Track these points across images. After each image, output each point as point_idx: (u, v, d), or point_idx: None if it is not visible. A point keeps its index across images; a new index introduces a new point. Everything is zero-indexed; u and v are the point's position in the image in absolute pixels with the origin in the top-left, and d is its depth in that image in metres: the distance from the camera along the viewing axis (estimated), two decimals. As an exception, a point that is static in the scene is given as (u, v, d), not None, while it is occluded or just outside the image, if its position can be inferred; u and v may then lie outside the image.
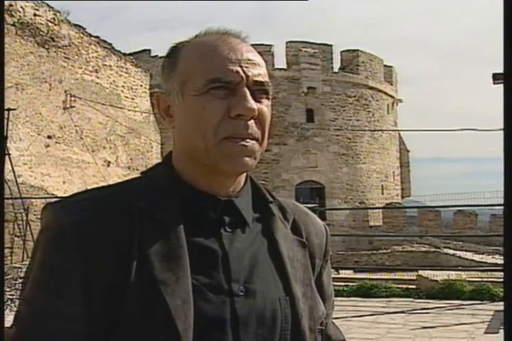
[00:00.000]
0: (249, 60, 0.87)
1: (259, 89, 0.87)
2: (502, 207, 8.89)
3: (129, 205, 0.84)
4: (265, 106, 0.88)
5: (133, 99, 18.18)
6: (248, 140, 0.85)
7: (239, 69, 0.85)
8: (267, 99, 0.89)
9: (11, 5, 13.38)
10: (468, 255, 16.26)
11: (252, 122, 0.85)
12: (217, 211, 0.88)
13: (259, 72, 0.87)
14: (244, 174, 0.93)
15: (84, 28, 16.26)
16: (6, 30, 12.91)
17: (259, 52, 0.92)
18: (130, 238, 0.81)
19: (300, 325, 0.87)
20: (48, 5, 14.78)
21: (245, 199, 0.92)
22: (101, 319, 0.77)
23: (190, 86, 0.86)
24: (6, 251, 11.37)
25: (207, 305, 0.81)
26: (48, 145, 14.54)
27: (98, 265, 0.79)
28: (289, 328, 0.87)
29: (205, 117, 0.84)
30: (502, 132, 1.13)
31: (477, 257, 15.81)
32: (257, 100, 0.86)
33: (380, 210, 22.77)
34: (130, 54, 19.81)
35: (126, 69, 18.06)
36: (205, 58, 0.86)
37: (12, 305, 6.68)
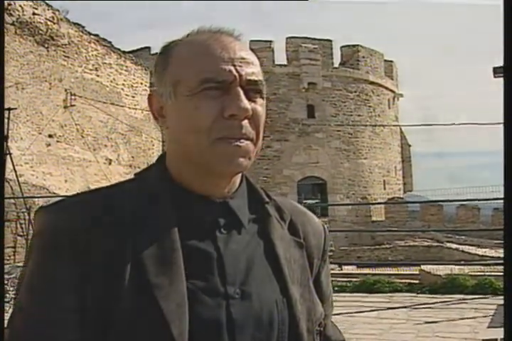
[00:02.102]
0: (242, 58, 0.85)
1: (252, 89, 0.85)
2: (504, 201, 8.84)
3: (122, 209, 0.83)
4: (259, 106, 0.86)
5: (133, 97, 18.16)
6: (242, 140, 0.83)
7: (232, 68, 0.83)
8: (262, 98, 0.87)
9: (9, 4, 13.35)
10: (471, 249, 16.26)
11: (246, 122, 0.84)
12: (212, 213, 0.86)
13: (252, 70, 0.86)
14: (240, 174, 0.91)
15: (83, 27, 16.23)
16: (5, 30, 12.88)
17: (253, 50, 0.90)
18: (123, 242, 0.80)
19: (298, 327, 0.86)
20: (46, 4, 14.75)
21: (241, 200, 0.90)
22: (94, 325, 0.76)
23: (182, 86, 0.84)
24: (9, 250, 11.40)
25: (202, 309, 0.80)
26: (49, 144, 14.54)
27: (91, 270, 0.78)
28: (287, 330, 0.85)
29: (198, 118, 0.83)
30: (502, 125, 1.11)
31: (480, 251, 15.81)
32: (251, 99, 0.85)
33: (383, 205, 22.75)
34: (130, 52, 19.80)
35: (126, 67, 18.04)
36: (198, 58, 0.84)
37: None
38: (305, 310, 0.88)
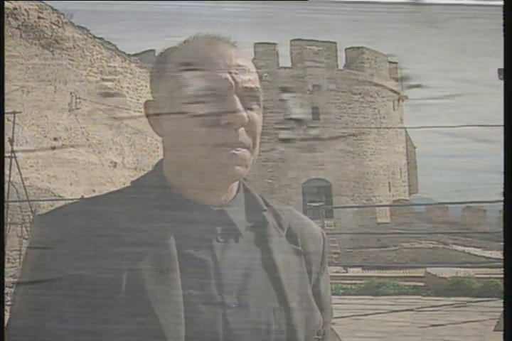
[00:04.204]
0: (238, 65, 0.85)
1: (249, 96, 0.85)
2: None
3: (119, 217, 0.83)
4: (256, 113, 0.86)
5: (138, 99, 18.20)
6: (239, 148, 0.83)
7: (228, 75, 0.83)
8: (258, 105, 0.87)
9: (15, 8, 13.42)
10: (477, 251, 16.20)
11: (242, 130, 0.83)
12: (209, 221, 0.86)
13: (249, 77, 0.85)
14: (237, 182, 0.91)
15: (88, 30, 16.30)
16: (10, 34, 12.95)
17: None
18: (119, 251, 0.80)
19: (296, 336, 0.85)
20: (51, 7, 14.81)
21: (238, 208, 0.90)
22: (90, 335, 0.76)
23: (178, 93, 0.84)
24: (15, 253, 11.43)
25: (199, 318, 0.79)
26: (54, 148, 14.58)
27: (88, 280, 0.77)
28: (285, 339, 0.85)
29: (193, 125, 0.82)
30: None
31: (486, 253, 15.75)
32: (248, 107, 0.84)
33: (388, 207, 22.71)
34: (134, 55, 19.85)
35: (131, 70, 18.10)
36: (194, 65, 0.84)
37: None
38: (303, 318, 0.88)
